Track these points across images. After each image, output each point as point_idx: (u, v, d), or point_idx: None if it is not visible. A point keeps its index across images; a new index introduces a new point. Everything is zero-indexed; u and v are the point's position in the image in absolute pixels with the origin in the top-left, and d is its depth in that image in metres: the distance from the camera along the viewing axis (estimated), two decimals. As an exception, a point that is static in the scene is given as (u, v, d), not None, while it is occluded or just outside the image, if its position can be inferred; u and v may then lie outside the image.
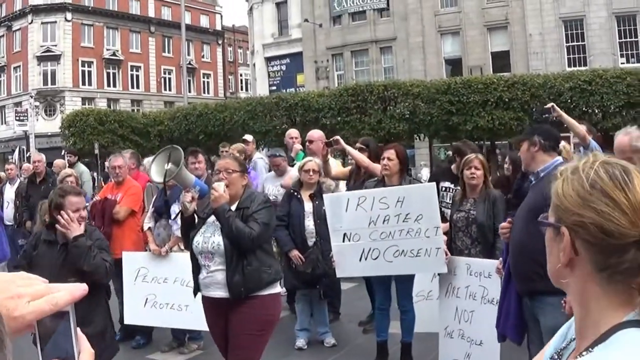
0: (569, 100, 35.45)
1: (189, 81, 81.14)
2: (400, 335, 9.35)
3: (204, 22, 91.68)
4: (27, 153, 39.50)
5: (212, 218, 6.95)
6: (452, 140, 42.21)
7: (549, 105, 10.26)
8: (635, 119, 33.67)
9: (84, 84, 76.87)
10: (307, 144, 12.18)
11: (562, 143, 8.66)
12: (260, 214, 6.91)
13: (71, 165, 17.73)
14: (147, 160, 14.35)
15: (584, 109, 35.25)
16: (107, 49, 79.43)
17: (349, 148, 11.17)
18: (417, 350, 9.26)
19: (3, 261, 12.45)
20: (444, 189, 10.40)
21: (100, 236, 7.23)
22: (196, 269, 7.07)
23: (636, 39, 46.00)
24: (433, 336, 8.92)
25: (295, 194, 10.40)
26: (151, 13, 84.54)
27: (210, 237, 6.89)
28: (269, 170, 13.23)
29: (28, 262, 6.93)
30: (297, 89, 55.06)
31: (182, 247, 9.36)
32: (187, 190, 7.18)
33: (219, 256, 6.83)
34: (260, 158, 14.62)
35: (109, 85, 79.46)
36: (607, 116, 35.28)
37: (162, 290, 9.76)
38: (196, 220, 7.14)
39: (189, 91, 75.35)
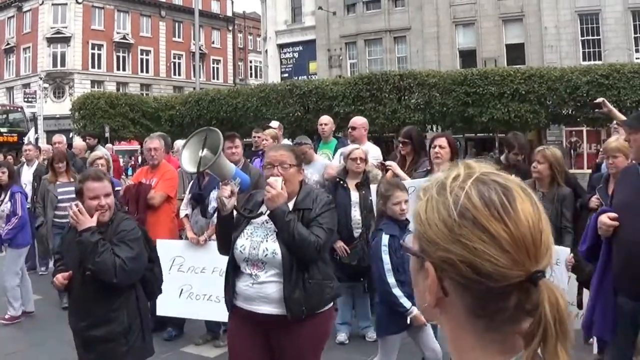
0: (585, 94, 35.39)
1: (199, 67, 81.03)
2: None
3: (214, 7, 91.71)
4: (35, 135, 39.63)
5: (262, 219, 5.88)
6: (467, 131, 42.24)
7: (600, 99, 10.07)
8: (651, 114, 33.52)
9: (93, 67, 77.08)
10: (349, 130, 11.94)
11: None
12: (324, 217, 5.88)
13: (91, 148, 17.73)
14: (178, 143, 14.16)
15: (600, 103, 34.98)
16: (118, 32, 79.65)
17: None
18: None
19: (25, 246, 12.36)
20: None
21: (129, 226, 6.29)
22: (232, 276, 5.94)
23: (652, 34, 45.80)
24: None
25: (342, 182, 9.87)
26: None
27: (261, 242, 5.78)
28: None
29: (66, 247, 6.38)
30: (310, 77, 54.99)
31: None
32: (226, 183, 5.94)
33: (272, 266, 5.71)
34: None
35: (118, 69, 79.72)
36: (624, 111, 35.05)
37: (199, 280, 9.38)
38: (235, 218, 5.99)
39: (198, 76, 75.36)
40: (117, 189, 10.77)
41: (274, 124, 14.88)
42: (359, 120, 12.16)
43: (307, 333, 5.77)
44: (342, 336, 10.06)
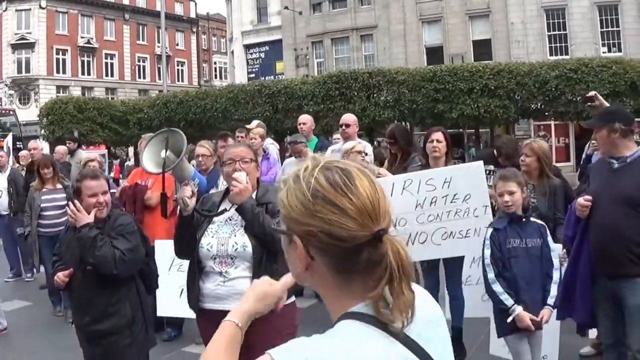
0: (554, 89, 35.70)
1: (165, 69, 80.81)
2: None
3: (178, 9, 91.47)
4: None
5: (224, 216, 5.90)
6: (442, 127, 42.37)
7: (592, 93, 10.28)
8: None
9: (58, 72, 76.49)
10: (343, 127, 11.86)
11: None
12: None
13: (71, 152, 17.57)
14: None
15: (569, 97, 35.43)
16: (82, 37, 79.08)
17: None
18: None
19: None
20: (487, 172, 10.30)
21: (125, 221, 6.44)
22: (194, 277, 5.90)
23: (618, 29, 46.26)
24: (476, 321, 8.92)
25: None
26: (125, 0, 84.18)
27: (228, 237, 5.80)
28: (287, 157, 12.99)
29: (64, 247, 6.55)
30: (276, 77, 55.00)
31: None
32: (186, 184, 6.03)
33: (242, 260, 5.73)
34: (271, 144, 13.98)
35: (83, 73, 79.14)
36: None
37: None
38: (195, 219, 5.99)
39: (160, 79, 75.12)
40: (112, 191, 10.74)
41: (255, 123, 14.76)
42: (351, 118, 12.12)
43: (274, 326, 5.36)
44: None
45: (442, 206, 8.31)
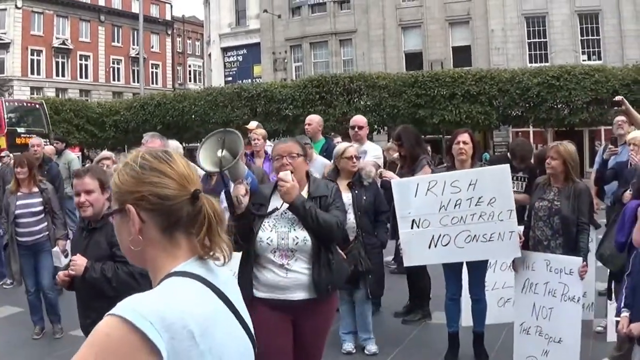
0: (536, 96, 35.89)
1: (137, 71, 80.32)
2: (443, 327, 9.21)
3: (154, 11, 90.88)
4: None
5: (279, 212, 6.13)
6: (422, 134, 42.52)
7: (619, 98, 10.34)
8: (601, 114, 34.27)
9: (32, 73, 75.55)
10: (355, 129, 11.57)
11: None
12: (339, 201, 6.42)
13: (59, 152, 17.25)
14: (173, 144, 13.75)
15: (551, 104, 35.62)
16: (57, 38, 78.21)
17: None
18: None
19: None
20: (513, 177, 10.15)
21: None
22: (247, 267, 6.18)
23: (598, 37, 46.45)
24: (494, 327, 9.02)
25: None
26: (101, 2, 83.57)
27: (288, 232, 6.08)
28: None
29: (72, 246, 6.57)
30: (254, 80, 54.81)
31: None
32: (239, 182, 6.33)
33: (302, 253, 6.05)
34: (270, 146, 13.76)
35: (57, 74, 78.21)
36: (574, 112, 35.71)
37: None
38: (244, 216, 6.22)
39: (137, 81, 74.65)
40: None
41: (254, 124, 14.52)
42: (362, 119, 11.95)
43: (323, 311, 6.26)
44: (348, 345, 9.48)
45: (466, 209, 8.14)
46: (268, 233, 6.13)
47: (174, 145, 12.12)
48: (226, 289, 2.48)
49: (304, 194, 6.27)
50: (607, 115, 34.48)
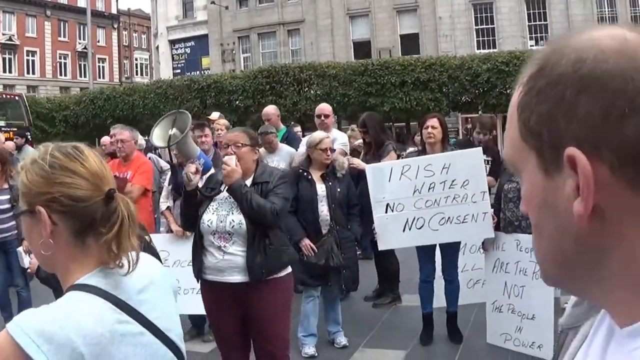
0: (486, 81, 36.10)
1: (84, 66, 79.71)
2: (413, 309, 9.39)
3: (99, 5, 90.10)
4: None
5: (224, 195, 6.47)
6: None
7: None
8: (551, 99, 34.59)
9: (-21, 69, 74.74)
10: (322, 118, 11.54)
11: None
12: (281, 188, 6.53)
13: (19, 147, 17.07)
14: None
15: (500, 90, 35.88)
16: (4, 34, 77.61)
17: None
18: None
19: None
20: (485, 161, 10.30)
21: None
22: (200, 251, 6.47)
23: (545, 22, 46.77)
24: (464, 307, 9.22)
25: (305, 174, 8.89)
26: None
27: (227, 215, 6.37)
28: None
29: None
30: (203, 72, 54.61)
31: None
32: (192, 162, 6.68)
33: (239, 236, 6.31)
34: None
35: (4, 71, 77.66)
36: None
37: (185, 274, 8.32)
38: (198, 196, 6.59)
39: (84, 76, 74.19)
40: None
41: (216, 114, 14.56)
42: (328, 107, 11.91)
43: (269, 298, 6.33)
44: (310, 349, 8.91)
45: (440, 192, 8.31)
46: (209, 215, 6.44)
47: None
48: (139, 299, 2.42)
49: (250, 181, 6.55)
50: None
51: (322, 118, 11.55)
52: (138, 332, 2.36)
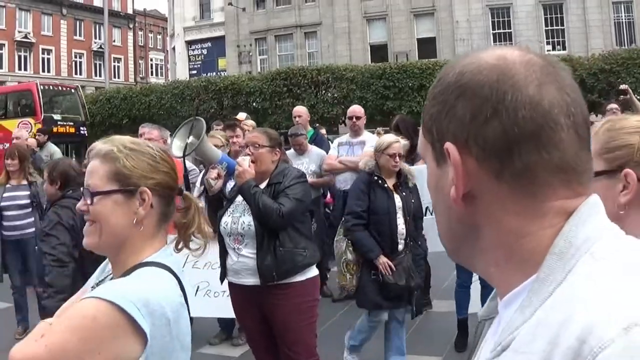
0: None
1: (100, 65, 79.87)
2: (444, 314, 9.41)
3: (115, 5, 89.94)
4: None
5: (240, 197, 6.42)
6: (386, 125, 42.58)
7: (624, 86, 10.76)
8: (568, 104, 34.48)
9: (-5, 67, 74.80)
10: (353, 120, 11.51)
11: None
12: (293, 188, 6.32)
13: (40, 145, 16.99)
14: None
15: (519, 94, 35.74)
16: (19, 31, 77.44)
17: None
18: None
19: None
20: None
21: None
22: (224, 253, 6.52)
23: (562, 27, 46.82)
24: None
25: (380, 182, 7.85)
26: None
27: (239, 217, 6.37)
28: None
29: None
30: (219, 73, 54.51)
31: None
32: (213, 167, 6.87)
33: (249, 238, 6.28)
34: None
35: (20, 68, 77.42)
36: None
37: (215, 276, 8.44)
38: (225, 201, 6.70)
39: (99, 75, 74.36)
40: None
41: (242, 115, 14.54)
42: (360, 109, 11.88)
43: (285, 303, 6.23)
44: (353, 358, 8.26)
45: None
46: (226, 217, 6.47)
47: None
48: (182, 279, 2.73)
49: (266, 182, 6.46)
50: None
51: (354, 120, 11.53)
52: (185, 306, 2.68)
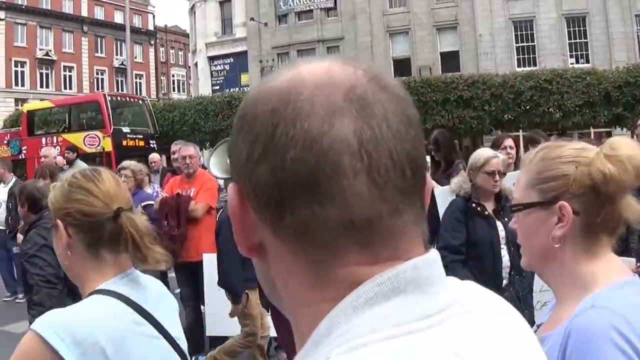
0: (529, 99, 35.84)
1: (122, 82, 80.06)
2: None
3: (136, 21, 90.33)
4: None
5: None
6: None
7: None
8: (594, 117, 34.32)
9: (17, 84, 75.03)
10: None
11: None
12: None
13: (69, 162, 16.81)
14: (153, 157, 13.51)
15: (544, 108, 35.61)
16: (40, 49, 77.80)
17: None
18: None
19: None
20: None
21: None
22: None
23: (585, 40, 46.70)
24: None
25: (480, 209, 6.78)
26: (84, 12, 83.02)
27: None
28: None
29: None
30: (242, 89, 54.51)
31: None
32: None
33: None
34: None
35: (42, 86, 77.64)
36: (567, 115, 35.70)
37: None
38: None
39: (122, 92, 74.26)
40: (147, 202, 10.19)
41: None
42: None
43: None
44: None
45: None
46: None
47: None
48: (154, 306, 2.72)
49: None
50: (599, 118, 34.74)
51: None
52: (153, 335, 2.66)
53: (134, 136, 31.81)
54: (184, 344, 2.83)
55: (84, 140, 29.80)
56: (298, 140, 1.00)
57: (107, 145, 29.83)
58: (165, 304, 2.85)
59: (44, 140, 30.48)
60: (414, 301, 1.02)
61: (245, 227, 1.11)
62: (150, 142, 31.47)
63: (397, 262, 1.04)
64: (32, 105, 37.33)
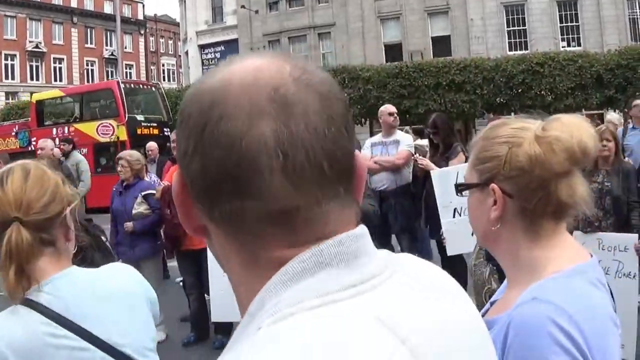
0: (521, 82, 35.97)
1: (112, 72, 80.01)
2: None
3: (126, 11, 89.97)
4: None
5: None
6: (403, 123, 42.59)
7: None
8: (586, 100, 34.45)
9: (7, 77, 75.10)
10: (395, 115, 11.21)
11: None
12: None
13: (65, 154, 16.75)
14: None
15: (536, 91, 35.72)
16: (30, 41, 77.68)
17: None
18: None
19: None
20: None
21: None
22: None
23: (577, 24, 46.69)
24: None
25: None
26: (73, 3, 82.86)
27: None
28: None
29: None
30: (233, 77, 54.42)
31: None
32: None
33: None
34: None
35: (32, 78, 77.74)
36: (559, 98, 35.84)
37: None
38: None
39: (111, 82, 74.02)
40: (149, 192, 10.19)
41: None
42: (393, 107, 11.66)
43: None
44: None
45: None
46: None
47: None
48: (83, 314, 2.46)
49: None
50: (591, 101, 34.89)
51: (395, 115, 11.21)
52: (78, 346, 2.40)
53: (148, 124, 31.43)
54: (133, 349, 2.57)
55: (97, 129, 29.71)
56: (221, 141, 1.08)
57: (122, 134, 29.62)
58: (111, 305, 2.57)
59: (54, 130, 30.19)
60: (338, 273, 1.11)
61: (187, 211, 1.20)
62: (165, 129, 30.86)
63: (323, 242, 1.12)
64: (41, 94, 36.35)
